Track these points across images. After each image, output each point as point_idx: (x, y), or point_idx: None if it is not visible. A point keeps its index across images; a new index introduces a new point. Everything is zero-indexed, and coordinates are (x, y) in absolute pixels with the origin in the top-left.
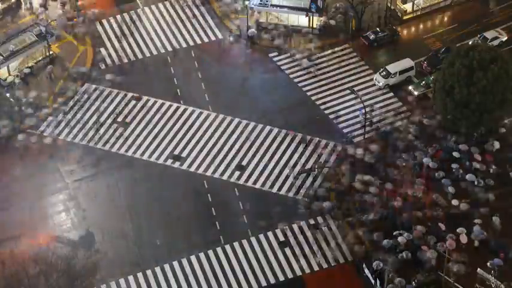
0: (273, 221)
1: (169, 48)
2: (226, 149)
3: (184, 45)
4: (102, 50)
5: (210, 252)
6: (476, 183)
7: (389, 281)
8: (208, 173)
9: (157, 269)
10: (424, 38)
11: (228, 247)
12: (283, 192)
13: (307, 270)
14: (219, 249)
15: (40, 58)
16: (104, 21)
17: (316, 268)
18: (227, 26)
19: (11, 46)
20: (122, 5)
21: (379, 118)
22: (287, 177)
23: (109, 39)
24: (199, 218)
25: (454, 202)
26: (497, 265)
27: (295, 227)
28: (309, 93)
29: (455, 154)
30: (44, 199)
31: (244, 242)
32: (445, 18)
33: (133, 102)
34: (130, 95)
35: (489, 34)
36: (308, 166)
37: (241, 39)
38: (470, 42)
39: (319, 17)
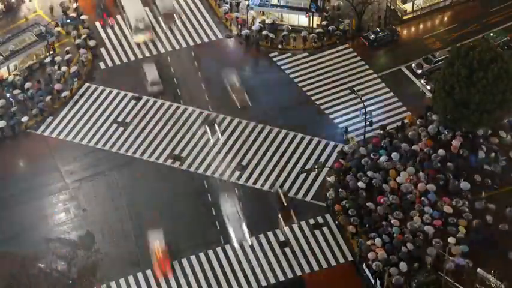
0: (273, 221)
1: (169, 48)
2: (226, 149)
3: (184, 45)
4: (102, 50)
5: (210, 252)
6: None
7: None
8: (208, 173)
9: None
10: (424, 38)
11: (228, 247)
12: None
13: (307, 270)
14: (219, 249)
15: (40, 57)
16: None
17: (316, 268)
18: (227, 26)
19: (11, 46)
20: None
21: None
22: (287, 177)
23: (109, 39)
24: (199, 218)
25: None
26: None
27: (295, 227)
28: (309, 93)
29: None
30: (44, 199)
31: (244, 242)
32: (445, 18)
33: (133, 102)
34: (130, 95)
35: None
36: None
37: (242, 39)
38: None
39: (319, 17)
